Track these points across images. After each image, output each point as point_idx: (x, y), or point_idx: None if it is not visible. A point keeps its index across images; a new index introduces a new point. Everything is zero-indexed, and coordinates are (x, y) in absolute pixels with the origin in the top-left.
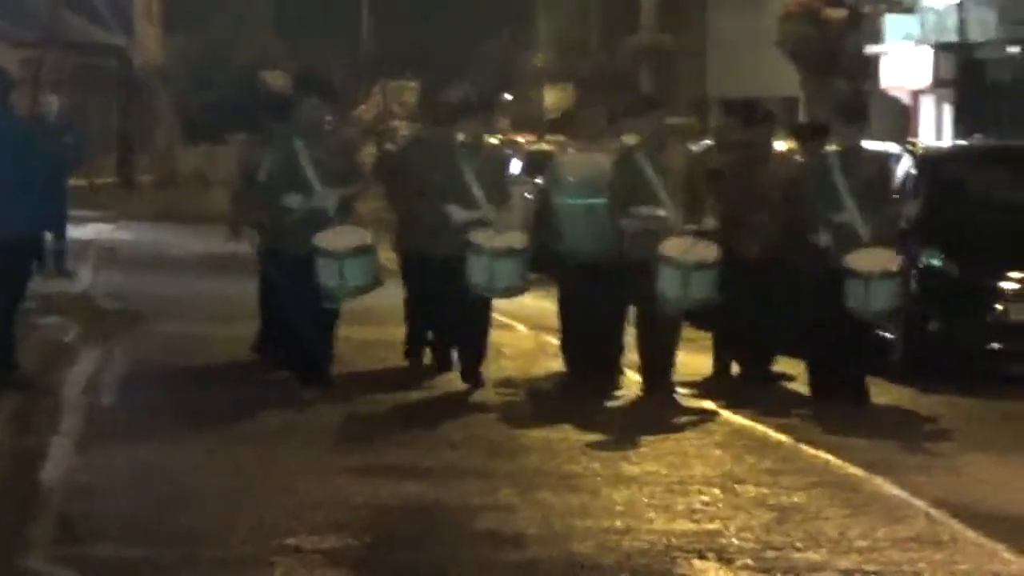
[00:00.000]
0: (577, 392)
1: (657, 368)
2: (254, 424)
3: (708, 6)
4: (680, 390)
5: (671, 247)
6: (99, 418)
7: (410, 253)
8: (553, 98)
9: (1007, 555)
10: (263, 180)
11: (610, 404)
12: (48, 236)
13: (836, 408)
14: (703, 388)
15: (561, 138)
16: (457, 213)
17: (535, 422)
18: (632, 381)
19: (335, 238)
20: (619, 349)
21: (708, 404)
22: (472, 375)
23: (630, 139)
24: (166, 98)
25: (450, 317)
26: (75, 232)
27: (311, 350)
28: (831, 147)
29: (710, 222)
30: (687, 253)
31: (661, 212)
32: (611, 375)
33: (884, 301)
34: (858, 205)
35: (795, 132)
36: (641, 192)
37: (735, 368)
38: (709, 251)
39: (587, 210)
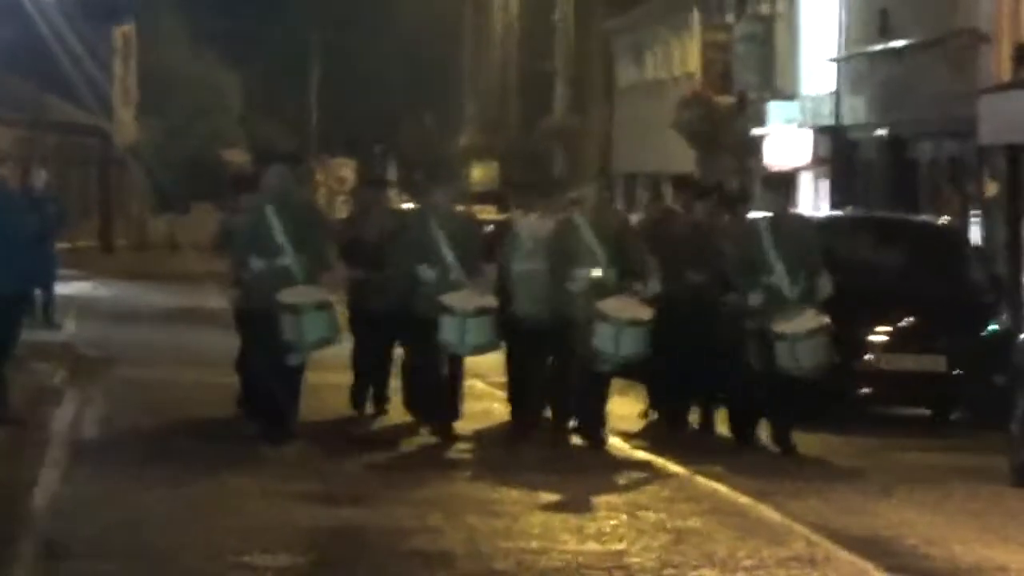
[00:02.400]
0: (518, 439)
1: (590, 423)
2: (213, 457)
3: (614, 93)
4: (613, 439)
5: (607, 305)
6: (81, 452)
7: (365, 309)
8: (479, 173)
9: (875, 572)
10: (236, 244)
11: (539, 447)
12: (37, 292)
13: (740, 450)
14: (635, 435)
15: (492, 208)
16: (426, 273)
17: (466, 459)
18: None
19: (295, 295)
20: (566, 407)
21: (623, 445)
22: (448, 432)
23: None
24: (139, 172)
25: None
26: (61, 289)
27: (276, 403)
28: (760, 215)
29: (655, 286)
30: (622, 311)
31: (598, 272)
32: (561, 432)
33: (812, 358)
34: (786, 269)
35: (722, 200)
36: (582, 255)
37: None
38: (643, 310)
39: (541, 274)
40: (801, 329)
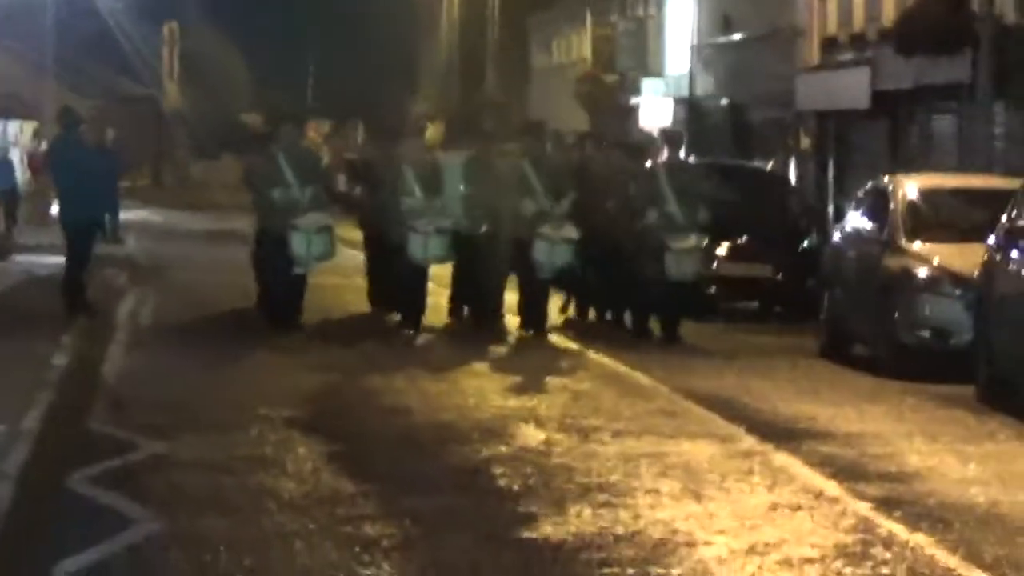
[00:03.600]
0: (465, 330)
1: (534, 319)
2: (237, 338)
3: (530, 72)
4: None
5: (545, 228)
6: (140, 334)
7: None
8: (431, 133)
9: (718, 420)
10: (256, 181)
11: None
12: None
13: (637, 338)
14: (558, 329)
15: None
16: (407, 203)
17: (428, 342)
18: (512, 325)
19: (306, 219)
20: (500, 303)
21: (554, 337)
22: (416, 324)
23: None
24: (181, 130)
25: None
26: (123, 215)
27: (285, 303)
28: (659, 162)
29: (565, 207)
30: (556, 232)
31: (538, 202)
32: (496, 322)
33: (692, 268)
34: (677, 201)
35: (628, 151)
36: (525, 188)
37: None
38: (572, 232)
39: (487, 200)
40: (686, 246)
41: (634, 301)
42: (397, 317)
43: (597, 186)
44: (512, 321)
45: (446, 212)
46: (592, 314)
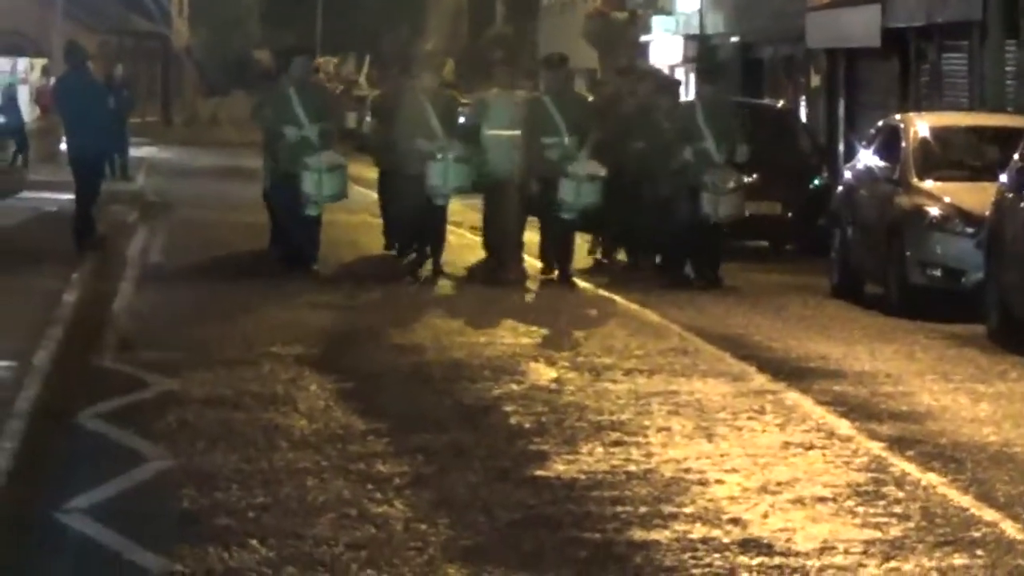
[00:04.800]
0: (489, 270)
1: (559, 261)
2: (246, 276)
3: (539, 9)
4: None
5: (572, 166)
6: (148, 270)
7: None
8: (448, 69)
9: (729, 359)
10: (267, 117)
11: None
12: (116, 154)
13: (675, 286)
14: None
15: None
16: (422, 143)
17: (442, 281)
18: (533, 266)
19: (318, 158)
20: (521, 243)
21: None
22: (433, 263)
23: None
24: (190, 66)
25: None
26: (133, 152)
27: (299, 243)
28: (694, 96)
29: (590, 143)
30: (582, 169)
31: (561, 140)
32: (518, 261)
33: (730, 209)
34: (713, 137)
35: (665, 85)
36: (547, 126)
37: (614, 257)
38: (599, 169)
39: (507, 140)
40: (724, 185)
41: (669, 245)
42: (412, 256)
43: (628, 123)
44: (533, 264)
45: (477, 151)
46: (621, 255)
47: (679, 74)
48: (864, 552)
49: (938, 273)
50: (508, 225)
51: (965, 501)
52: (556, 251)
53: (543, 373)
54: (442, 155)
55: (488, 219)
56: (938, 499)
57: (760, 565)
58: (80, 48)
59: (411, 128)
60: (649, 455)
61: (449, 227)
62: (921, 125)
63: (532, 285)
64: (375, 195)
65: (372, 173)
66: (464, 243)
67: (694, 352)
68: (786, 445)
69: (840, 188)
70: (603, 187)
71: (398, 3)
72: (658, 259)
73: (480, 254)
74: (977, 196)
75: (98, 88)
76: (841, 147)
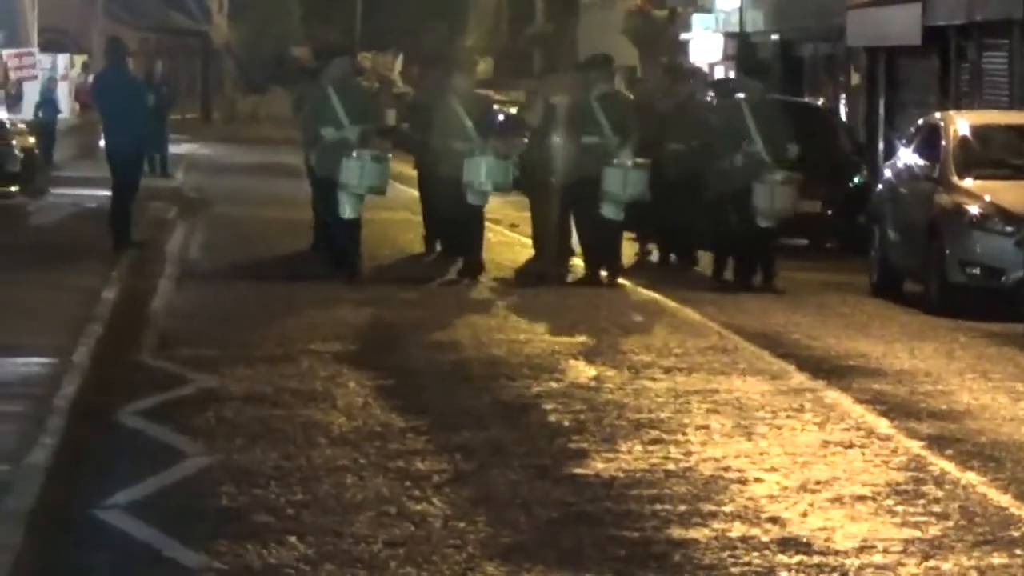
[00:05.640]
0: (538, 270)
1: (607, 261)
2: (286, 273)
3: (579, 7)
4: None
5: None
6: (188, 267)
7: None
8: (480, 68)
9: (769, 357)
10: (307, 117)
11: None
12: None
13: (737, 289)
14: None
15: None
16: (457, 144)
17: (481, 280)
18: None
19: (363, 150)
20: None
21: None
22: (473, 264)
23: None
24: (230, 64)
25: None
26: (172, 149)
27: (342, 247)
28: (741, 96)
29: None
30: (627, 159)
31: (603, 140)
32: (566, 261)
33: (783, 202)
34: (762, 138)
35: (714, 86)
36: (591, 126)
37: (654, 256)
38: (642, 159)
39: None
40: (777, 177)
41: (718, 248)
42: (454, 258)
43: (665, 122)
44: (577, 263)
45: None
46: (656, 255)
47: (719, 72)
48: (903, 551)
49: (977, 271)
50: (558, 225)
51: (1004, 500)
52: (601, 250)
53: (582, 371)
54: (479, 152)
55: (537, 219)
56: (977, 498)
57: (799, 564)
58: (120, 44)
59: (445, 130)
60: (688, 453)
61: (488, 224)
62: (961, 123)
63: (573, 284)
64: (415, 193)
65: (412, 171)
66: (502, 240)
67: (733, 350)
68: (825, 443)
69: (880, 186)
70: (647, 177)
71: (438, 1)
72: (696, 261)
73: (520, 252)
74: (1017, 194)
75: (136, 85)
76: (881, 145)
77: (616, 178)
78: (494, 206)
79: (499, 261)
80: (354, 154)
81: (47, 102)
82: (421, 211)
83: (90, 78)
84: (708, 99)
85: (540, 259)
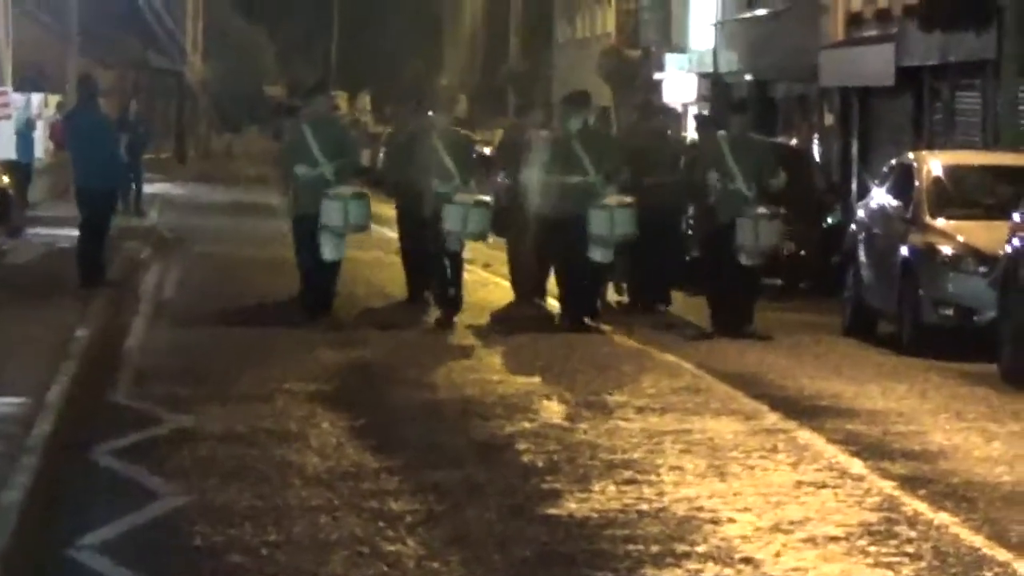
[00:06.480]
0: (516, 313)
1: (585, 305)
2: (260, 312)
3: (553, 45)
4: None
5: (601, 199)
6: (163, 306)
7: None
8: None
9: (742, 397)
10: (282, 156)
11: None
12: (132, 188)
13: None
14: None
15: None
16: (437, 185)
17: (457, 321)
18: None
19: (341, 189)
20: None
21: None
22: (450, 309)
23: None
24: (205, 102)
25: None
26: (147, 187)
27: (316, 287)
28: (722, 133)
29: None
30: (612, 199)
31: (586, 178)
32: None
33: (768, 239)
34: (743, 175)
35: (696, 121)
36: (573, 164)
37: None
38: (627, 198)
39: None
40: (761, 213)
41: (708, 287)
42: (431, 300)
43: (650, 160)
44: (554, 306)
45: (482, 189)
46: (619, 295)
47: (692, 111)
48: None
49: (951, 312)
50: (537, 267)
51: (977, 541)
52: (583, 294)
53: (555, 411)
54: (460, 199)
55: (515, 261)
56: (950, 539)
57: None
58: (91, 82)
59: (425, 169)
60: (661, 493)
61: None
62: (934, 163)
63: (547, 325)
64: (389, 232)
65: (386, 209)
66: (476, 279)
67: (706, 390)
68: (798, 484)
69: (853, 226)
70: (634, 216)
71: (413, 38)
72: (670, 300)
73: (493, 291)
74: (990, 235)
75: (106, 124)
76: (854, 185)
77: (602, 220)
78: (468, 244)
79: (473, 300)
80: (331, 192)
81: (25, 141)
82: (401, 254)
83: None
84: (681, 136)
85: (519, 302)
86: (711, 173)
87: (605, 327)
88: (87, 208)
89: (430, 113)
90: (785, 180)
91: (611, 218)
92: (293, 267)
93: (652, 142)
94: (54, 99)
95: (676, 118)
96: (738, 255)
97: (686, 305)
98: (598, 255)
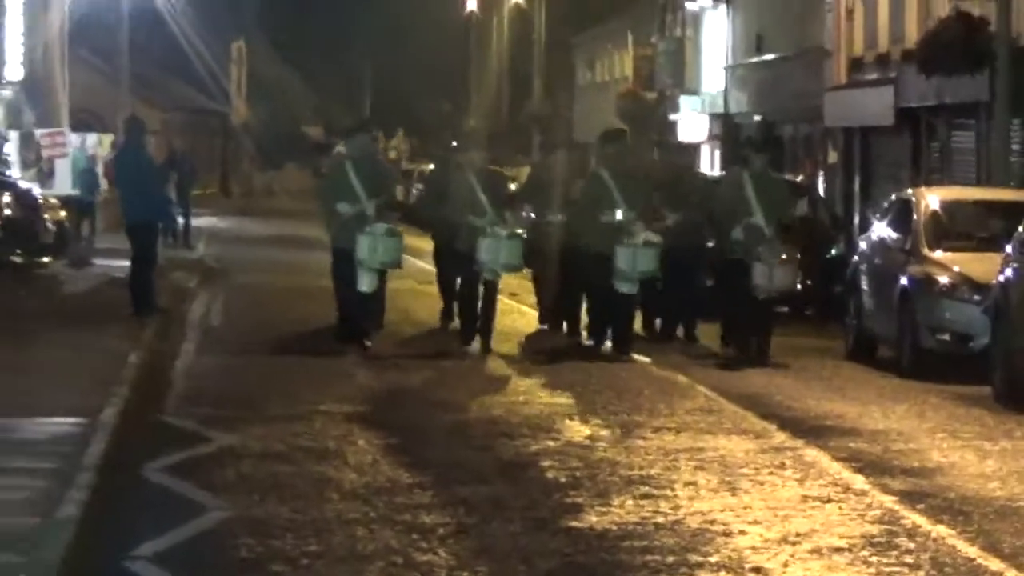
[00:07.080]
0: (546, 341)
1: (618, 338)
2: (300, 339)
3: (575, 89)
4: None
5: (628, 236)
6: (210, 333)
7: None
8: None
9: (752, 417)
10: (323, 192)
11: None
12: (181, 222)
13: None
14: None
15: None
16: (472, 220)
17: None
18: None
19: (377, 226)
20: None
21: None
22: (487, 338)
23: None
24: (247, 142)
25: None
26: (194, 221)
27: (352, 319)
28: (744, 170)
29: (669, 220)
30: (638, 237)
31: (619, 215)
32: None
33: (785, 281)
34: (763, 211)
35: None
36: (605, 200)
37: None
38: (654, 236)
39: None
40: (777, 256)
41: (726, 317)
42: (468, 333)
43: (669, 195)
44: (582, 335)
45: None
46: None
47: (704, 150)
48: None
49: (947, 338)
50: (569, 298)
51: (972, 552)
52: (614, 324)
53: (577, 430)
54: (493, 231)
55: (547, 292)
56: (947, 550)
57: None
58: (139, 123)
59: (461, 204)
60: (676, 507)
61: None
62: (931, 198)
63: (577, 352)
64: (421, 263)
65: (420, 242)
66: (503, 308)
67: (719, 411)
68: (805, 498)
69: (855, 257)
70: (657, 255)
71: (441, 82)
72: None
73: (519, 319)
74: (984, 265)
75: (151, 162)
76: (857, 219)
77: (627, 257)
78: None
79: (500, 328)
80: (367, 229)
81: (91, 177)
82: (438, 285)
83: None
84: (698, 172)
85: (546, 329)
86: (732, 209)
87: (635, 356)
88: (137, 242)
89: (464, 151)
90: (796, 212)
91: (634, 255)
92: (329, 295)
93: (670, 177)
94: (107, 139)
95: (690, 155)
96: (753, 291)
97: (702, 331)
98: (624, 288)
